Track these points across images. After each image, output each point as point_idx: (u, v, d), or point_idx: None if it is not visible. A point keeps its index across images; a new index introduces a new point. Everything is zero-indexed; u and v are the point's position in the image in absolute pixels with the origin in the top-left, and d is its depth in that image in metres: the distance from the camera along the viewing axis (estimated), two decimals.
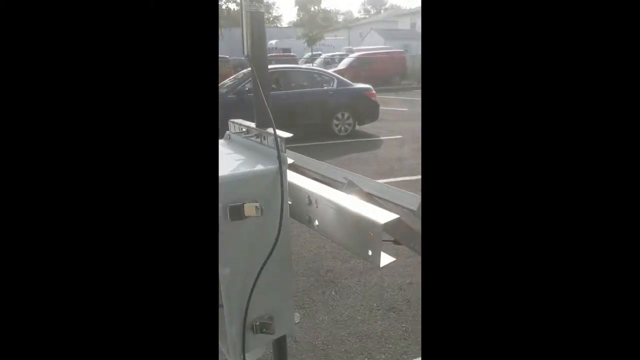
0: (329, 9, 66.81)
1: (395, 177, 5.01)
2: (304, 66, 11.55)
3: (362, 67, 15.84)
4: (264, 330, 0.77)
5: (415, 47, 24.84)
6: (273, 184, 0.72)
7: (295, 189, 0.82)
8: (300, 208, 0.82)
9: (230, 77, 7.50)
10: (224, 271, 0.70)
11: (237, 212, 0.65)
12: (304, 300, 2.56)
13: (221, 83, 7.03)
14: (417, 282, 2.74)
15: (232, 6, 33.86)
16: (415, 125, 8.68)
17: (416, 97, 14.40)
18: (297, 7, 61.87)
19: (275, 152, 0.76)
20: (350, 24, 48.31)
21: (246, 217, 0.66)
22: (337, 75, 7.99)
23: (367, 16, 59.33)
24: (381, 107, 7.96)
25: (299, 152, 1.06)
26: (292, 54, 23.04)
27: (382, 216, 0.64)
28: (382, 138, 7.50)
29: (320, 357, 2.10)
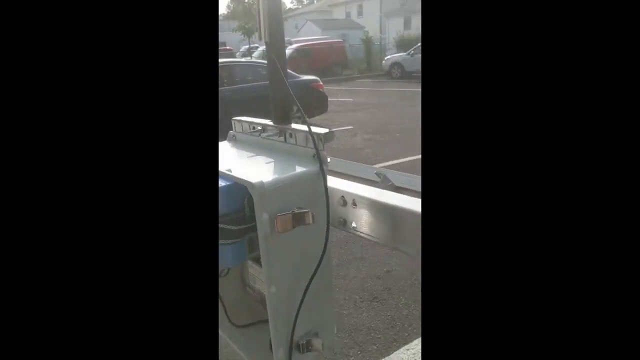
0: None
1: None
2: (243, 59, 11.18)
3: (303, 59, 15.64)
4: (310, 348, 0.71)
5: (353, 37, 25.17)
6: (315, 187, 0.65)
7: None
8: (332, 211, 0.75)
9: None
10: (270, 290, 0.63)
11: (300, 219, 0.58)
12: None
13: None
14: (394, 270, 2.77)
15: None
16: (362, 116, 8.80)
17: (359, 86, 14.61)
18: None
19: (309, 150, 0.69)
20: (284, 14, 47.92)
21: (306, 224, 0.59)
22: None
23: (300, 6, 58.94)
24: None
25: None
26: (227, 47, 22.40)
27: None
28: (333, 130, 7.51)
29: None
